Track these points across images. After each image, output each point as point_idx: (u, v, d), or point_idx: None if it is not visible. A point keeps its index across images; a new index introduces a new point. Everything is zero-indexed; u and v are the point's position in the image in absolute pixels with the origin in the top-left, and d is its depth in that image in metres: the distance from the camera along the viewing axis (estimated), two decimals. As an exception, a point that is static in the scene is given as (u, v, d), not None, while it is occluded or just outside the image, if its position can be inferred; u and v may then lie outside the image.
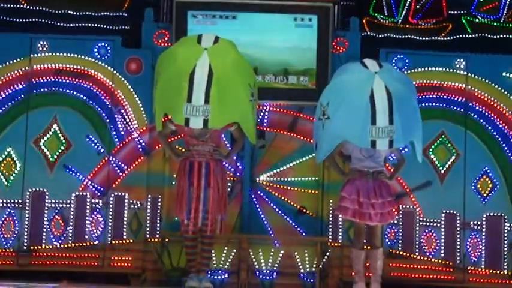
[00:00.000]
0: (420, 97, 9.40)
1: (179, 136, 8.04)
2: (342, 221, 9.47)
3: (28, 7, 10.41)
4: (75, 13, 10.41)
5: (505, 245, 9.59)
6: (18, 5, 10.45)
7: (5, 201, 9.57)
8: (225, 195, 7.62)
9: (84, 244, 9.51)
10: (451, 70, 9.84)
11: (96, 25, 10.34)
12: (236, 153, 8.05)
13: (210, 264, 7.87)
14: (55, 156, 9.64)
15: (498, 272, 9.53)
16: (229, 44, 7.54)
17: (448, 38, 10.77)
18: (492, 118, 9.73)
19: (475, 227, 9.64)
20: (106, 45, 9.71)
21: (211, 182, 7.45)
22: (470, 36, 10.78)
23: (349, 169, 7.68)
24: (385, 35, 10.72)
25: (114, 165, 9.63)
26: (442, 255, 9.60)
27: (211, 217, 7.47)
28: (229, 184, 9.66)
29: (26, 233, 9.51)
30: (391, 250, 9.51)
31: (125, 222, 9.55)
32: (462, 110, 9.76)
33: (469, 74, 9.81)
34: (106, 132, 9.67)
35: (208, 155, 7.49)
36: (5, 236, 9.53)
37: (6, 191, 9.59)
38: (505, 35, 10.69)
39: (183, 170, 7.53)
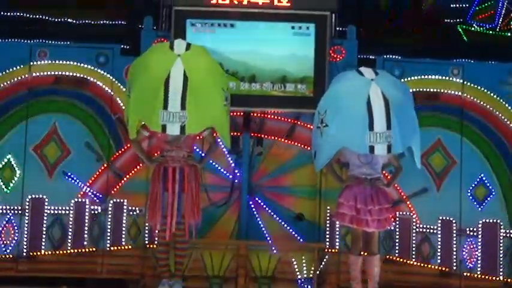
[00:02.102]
0: (416, 105, 9.49)
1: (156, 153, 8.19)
2: (339, 228, 9.52)
3: (28, 15, 10.48)
4: (74, 21, 10.49)
5: (501, 252, 9.65)
6: (18, 13, 10.52)
7: (4, 207, 9.60)
8: (199, 200, 7.67)
9: (83, 250, 9.56)
10: (447, 78, 9.90)
11: (95, 33, 10.41)
12: (211, 158, 8.08)
13: (183, 270, 7.92)
14: (54, 163, 9.68)
15: (494, 278, 9.59)
16: (201, 49, 7.61)
17: (445, 46, 10.85)
18: (488, 126, 9.80)
19: (471, 234, 9.70)
20: (105, 53, 9.76)
21: (186, 187, 7.52)
22: (466, 44, 10.87)
23: (346, 176, 7.75)
24: (382, 42, 10.79)
25: (113, 172, 9.68)
26: (439, 261, 9.66)
27: (186, 222, 7.54)
28: (227, 191, 9.86)
29: (25, 240, 9.53)
30: (387, 256, 9.57)
31: (123, 229, 9.61)
32: (458, 117, 9.83)
33: (465, 82, 9.88)
34: (105, 139, 9.72)
35: (182, 161, 7.57)
36: (5, 242, 9.56)
37: (6, 198, 9.63)
38: (500, 43, 10.78)
39: (157, 176, 7.60)
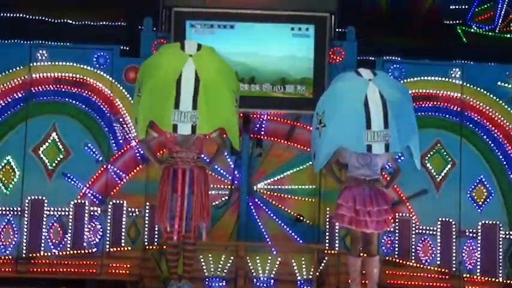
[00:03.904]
0: (416, 106, 9.47)
1: (162, 151, 8.14)
2: (338, 229, 9.53)
3: (28, 16, 10.49)
4: (74, 22, 10.50)
5: (500, 253, 9.66)
6: (18, 14, 10.53)
7: (4, 208, 9.61)
8: (208, 202, 7.66)
9: (83, 251, 9.57)
10: (447, 79, 9.91)
11: (95, 34, 10.43)
12: (219, 159, 8.09)
13: (191, 271, 7.93)
14: (54, 164, 9.68)
15: (493, 279, 9.60)
16: (212, 50, 7.62)
17: (444, 48, 10.87)
18: (487, 127, 9.81)
19: (471, 235, 9.71)
20: (105, 54, 9.76)
21: (195, 189, 7.51)
22: (465, 46, 10.88)
23: (345, 177, 7.75)
24: (382, 44, 10.80)
25: (113, 173, 9.69)
26: (438, 262, 9.67)
27: (194, 224, 7.55)
28: (226, 192, 9.89)
29: (24, 241, 9.54)
30: (387, 258, 9.58)
31: (123, 230, 9.62)
32: (457, 119, 9.84)
33: (465, 84, 9.89)
34: (105, 140, 9.73)
35: (191, 162, 7.56)
36: (4, 243, 9.57)
37: (5, 199, 9.64)
38: (499, 45, 10.79)
39: (166, 177, 7.58)
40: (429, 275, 9.63)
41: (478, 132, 9.81)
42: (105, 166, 9.68)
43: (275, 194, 9.99)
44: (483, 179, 9.79)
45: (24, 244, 9.53)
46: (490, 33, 10.92)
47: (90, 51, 9.81)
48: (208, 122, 7.30)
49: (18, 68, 9.73)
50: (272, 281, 9.42)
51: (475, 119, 9.83)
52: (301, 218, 9.92)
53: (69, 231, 9.59)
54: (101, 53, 9.79)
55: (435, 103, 9.86)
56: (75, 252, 9.54)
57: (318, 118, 7.47)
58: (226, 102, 7.42)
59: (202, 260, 9.29)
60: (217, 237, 9.67)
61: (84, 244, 9.58)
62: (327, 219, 9.65)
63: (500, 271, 9.61)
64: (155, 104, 7.30)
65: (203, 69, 7.30)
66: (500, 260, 9.64)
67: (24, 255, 9.51)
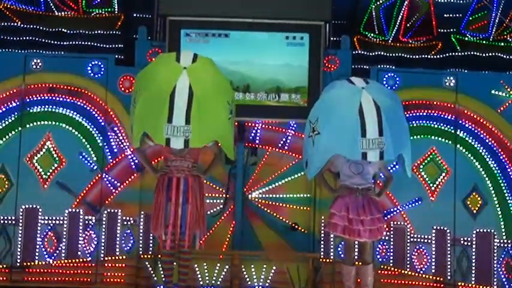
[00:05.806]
0: (410, 115, 9.57)
1: (157, 160, 8.15)
2: (333, 237, 9.53)
3: (22, 25, 10.51)
4: (69, 31, 10.51)
5: (495, 261, 9.67)
6: (12, 23, 10.55)
7: (-2, 217, 9.63)
8: (203, 211, 7.68)
9: (77, 261, 9.55)
10: (441, 88, 9.94)
11: (89, 43, 10.44)
12: (215, 169, 8.11)
13: (187, 280, 7.93)
14: (48, 173, 9.67)
15: (488, 287, 9.60)
16: (207, 61, 7.62)
17: (438, 56, 10.91)
18: (481, 135, 9.83)
19: (465, 243, 9.71)
20: (100, 63, 9.77)
21: (190, 198, 7.54)
22: (459, 54, 10.92)
23: (338, 186, 7.76)
24: (376, 53, 10.84)
25: (107, 182, 9.69)
26: (433, 271, 9.68)
27: (189, 233, 7.55)
28: (221, 201, 9.88)
29: (19, 250, 9.53)
30: (382, 266, 9.58)
31: (117, 239, 9.61)
32: (452, 127, 9.86)
33: (459, 92, 9.92)
34: (99, 149, 9.72)
35: (186, 171, 7.58)
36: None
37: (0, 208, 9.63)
38: (493, 53, 10.84)
39: (161, 186, 7.61)
40: (424, 283, 9.63)
41: (472, 141, 9.82)
42: (99, 175, 9.68)
43: (270, 202, 9.99)
44: (477, 187, 9.79)
45: (19, 253, 9.52)
46: (484, 42, 10.95)
47: (84, 61, 9.82)
48: (200, 136, 7.31)
49: (12, 77, 9.72)
50: (267, 289, 9.44)
51: (470, 127, 9.85)
52: (296, 226, 9.91)
53: (64, 240, 9.58)
54: (95, 62, 9.79)
55: (429, 112, 9.87)
56: (69, 261, 9.52)
57: (311, 126, 7.49)
58: (220, 115, 7.42)
59: (197, 268, 9.30)
60: (212, 246, 9.64)
61: (79, 253, 9.56)
62: (322, 228, 9.65)
63: (495, 279, 9.62)
64: (149, 117, 7.32)
65: (197, 82, 7.29)
66: (495, 268, 9.65)
67: (18, 264, 9.49)
